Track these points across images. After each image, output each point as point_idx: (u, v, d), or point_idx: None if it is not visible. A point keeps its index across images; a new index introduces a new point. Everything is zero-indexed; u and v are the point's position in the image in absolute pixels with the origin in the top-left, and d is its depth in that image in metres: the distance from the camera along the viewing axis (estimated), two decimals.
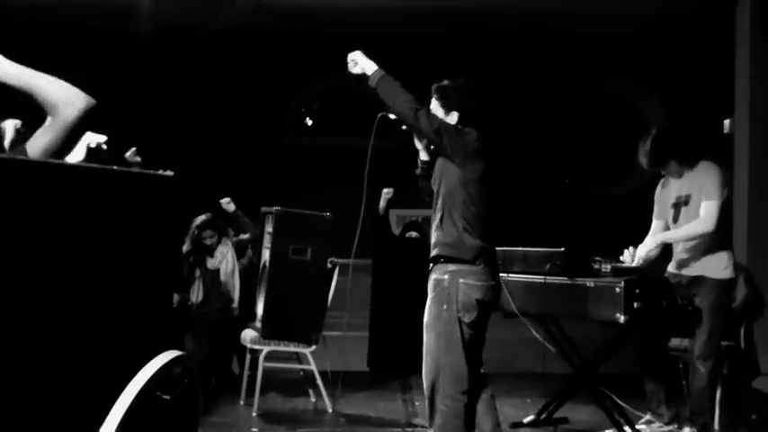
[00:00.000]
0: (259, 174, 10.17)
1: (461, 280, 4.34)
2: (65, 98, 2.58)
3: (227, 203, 7.31)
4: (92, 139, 3.87)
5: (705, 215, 5.27)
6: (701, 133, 6.59)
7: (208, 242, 7.08)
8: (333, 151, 10.93)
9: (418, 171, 4.72)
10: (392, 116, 4.59)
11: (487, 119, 4.61)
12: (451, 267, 4.38)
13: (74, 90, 2.61)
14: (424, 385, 4.44)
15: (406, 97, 4.39)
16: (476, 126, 4.52)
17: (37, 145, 2.58)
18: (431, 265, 4.50)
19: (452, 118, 4.51)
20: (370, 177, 4.70)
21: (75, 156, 3.53)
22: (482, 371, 4.60)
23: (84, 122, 2.61)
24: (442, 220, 4.44)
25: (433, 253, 4.47)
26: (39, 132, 2.63)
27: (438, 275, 4.43)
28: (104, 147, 3.96)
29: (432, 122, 4.36)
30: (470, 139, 4.42)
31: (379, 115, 4.62)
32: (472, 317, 4.36)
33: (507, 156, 4.60)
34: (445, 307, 4.35)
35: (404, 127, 4.57)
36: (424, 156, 4.70)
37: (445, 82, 4.63)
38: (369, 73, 4.48)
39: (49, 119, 2.61)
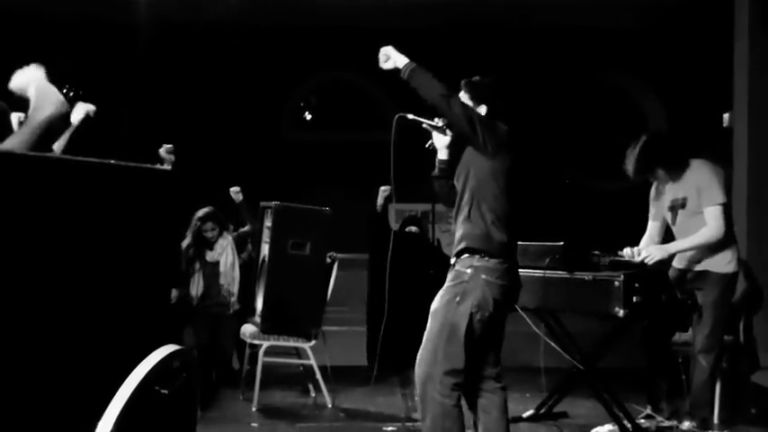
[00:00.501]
0: (258, 168, 10.18)
1: (483, 276, 4.29)
2: (39, 102, 2.61)
3: (236, 193, 7.28)
4: (84, 108, 3.93)
5: (712, 222, 5.27)
6: (695, 131, 6.58)
7: (209, 235, 7.07)
8: (331, 146, 10.95)
9: (435, 172, 4.66)
10: (410, 116, 4.57)
11: (516, 115, 4.60)
12: (476, 262, 4.32)
13: (50, 96, 2.64)
14: (417, 372, 4.40)
15: (439, 86, 4.35)
16: (504, 121, 4.51)
17: (8, 144, 2.60)
18: (454, 258, 4.45)
19: (481, 111, 4.49)
20: (395, 177, 4.68)
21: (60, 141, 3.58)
22: (496, 370, 4.52)
23: (56, 127, 2.64)
24: (470, 212, 4.38)
25: (460, 246, 4.40)
26: (15, 132, 2.67)
27: (461, 268, 4.37)
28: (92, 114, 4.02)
29: (465, 110, 4.33)
30: (501, 131, 4.42)
31: (396, 117, 4.59)
32: (485, 315, 4.30)
33: (531, 152, 4.60)
34: (458, 299, 4.31)
35: (424, 125, 4.54)
36: (443, 155, 4.64)
37: (476, 78, 4.61)
38: (400, 66, 4.45)
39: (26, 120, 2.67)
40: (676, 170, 5.43)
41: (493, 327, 4.40)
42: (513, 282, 4.40)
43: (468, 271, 4.32)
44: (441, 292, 4.42)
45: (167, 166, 5.35)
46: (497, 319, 4.40)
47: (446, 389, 4.31)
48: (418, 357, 4.43)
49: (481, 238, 4.33)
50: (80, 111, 4.57)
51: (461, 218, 4.43)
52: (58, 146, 3.94)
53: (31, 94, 2.68)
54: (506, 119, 4.54)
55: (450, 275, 4.44)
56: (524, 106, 10.74)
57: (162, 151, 5.79)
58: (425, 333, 4.41)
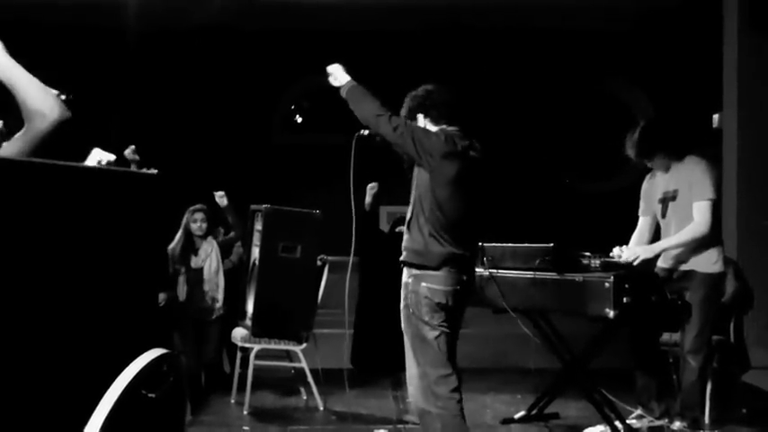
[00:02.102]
0: (248, 171, 10.16)
1: (424, 284, 4.37)
2: (40, 108, 2.53)
3: (221, 197, 7.26)
4: (101, 156, 3.89)
5: (698, 218, 5.27)
6: (689, 127, 6.60)
7: (196, 226, 6.97)
8: (322, 149, 10.92)
9: (406, 165, 4.71)
10: (365, 132, 4.60)
11: (462, 121, 4.60)
12: (415, 271, 4.41)
13: (50, 101, 2.57)
14: (410, 390, 4.48)
15: (371, 105, 4.41)
16: (458, 124, 4.54)
17: (6, 152, 2.54)
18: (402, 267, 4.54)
19: (422, 122, 4.54)
20: (356, 202, 4.79)
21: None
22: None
23: (58, 135, 2.57)
24: (409, 224, 4.48)
25: (402, 257, 4.51)
26: (13, 139, 2.60)
27: (405, 278, 4.47)
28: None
29: (395, 127, 4.35)
30: (438, 141, 4.39)
31: (356, 135, 4.64)
32: (438, 319, 4.38)
33: (491, 154, 4.60)
34: (412, 310, 4.40)
35: (378, 139, 4.55)
36: None
37: (417, 90, 4.66)
38: (340, 84, 4.54)
39: (25, 126, 2.58)
40: (677, 156, 5.43)
41: (453, 329, 4.47)
42: (457, 285, 4.41)
43: (410, 280, 4.43)
44: (401, 308, 4.49)
45: (133, 168, 5.40)
46: (453, 320, 4.46)
47: (442, 399, 4.34)
48: (407, 375, 4.48)
49: (417, 253, 4.42)
50: (95, 157, 4.55)
51: (405, 228, 4.53)
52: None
53: (22, 91, 2.58)
54: (456, 122, 4.55)
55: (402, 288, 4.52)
56: (512, 107, 10.79)
57: (127, 153, 5.82)
58: (405, 351, 4.48)
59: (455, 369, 4.42)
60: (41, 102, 2.55)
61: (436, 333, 4.37)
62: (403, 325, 4.47)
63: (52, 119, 2.53)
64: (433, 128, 4.52)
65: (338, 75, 4.56)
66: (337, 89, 4.57)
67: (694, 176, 5.32)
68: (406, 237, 4.50)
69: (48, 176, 2.32)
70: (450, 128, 4.52)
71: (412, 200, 4.49)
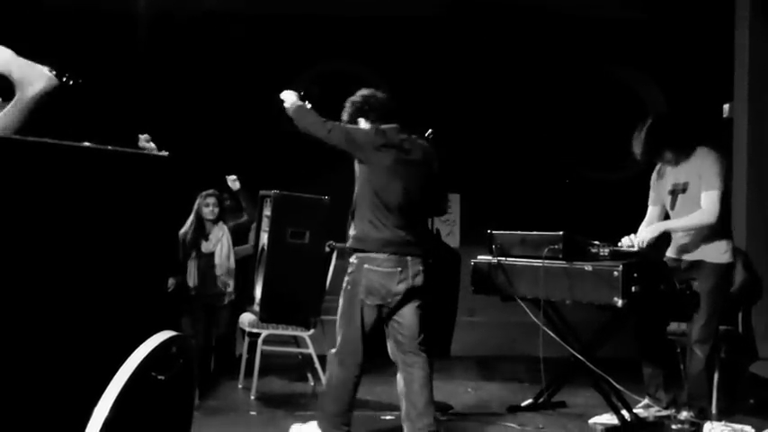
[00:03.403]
0: (258, 157, 10.15)
1: (366, 265, 4.80)
2: (28, 77, 2.58)
3: (233, 181, 7.24)
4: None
5: (706, 206, 5.25)
6: (698, 119, 6.56)
7: (208, 210, 6.97)
8: None
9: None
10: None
11: (400, 119, 5.03)
12: (359, 254, 4.86)
13: (38, 70, 2.61)
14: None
15: (312, 117, 4.97)
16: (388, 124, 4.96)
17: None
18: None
19: (363, 124, 5.03)
20: None
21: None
22: (420, 351, 4.93)
23: (48, 103, 2.60)
24: (353, 213, 4.94)
25: (347, 243, 4.99)
26: (3, 111, 2.62)
27: (350, 259, 4.92)
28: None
29: (329, 130, 4.88)
30: (368, 136, 4.89)
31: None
32: (374, 300, 4.81)
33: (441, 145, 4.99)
34: (350, 288, 4.87)
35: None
36: None
37: (355, 96, 5.16)
38: (289, 105, 5.04)
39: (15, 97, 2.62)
40: (684, 152, 5.41)
41: (393, 312, 4.87)
42: (398, 268, 4.80)
43: (354, 261, 4.88)
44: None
45: None
46: (395, 304, 4.84)
47: (347, 368, 4.90)
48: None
49: (359, 239, 4.88)
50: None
51: (350, 217, 5.02)
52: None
53: (15, 71, 2.62)
54: (395, 120, 4.99)
55: None
56: (521, 95, 10.76)
57: (142, 142, 5.73)
58: None
59: (365, 349, 4.89)
60: (30, 71, 2.59)
61: (369, 315, 4.84)
62: (340, 300, 4.95)
63: (41, 86, 2.58)
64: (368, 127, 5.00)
65: (288, 98, 5.06)
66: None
67: (704, 168, 5.30)
68: (351, 226, 4.96)
69: (58, 157, 2.32)
70: (387, 125, 4.94)
71: (355, 192, 4.94)
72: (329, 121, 4.95)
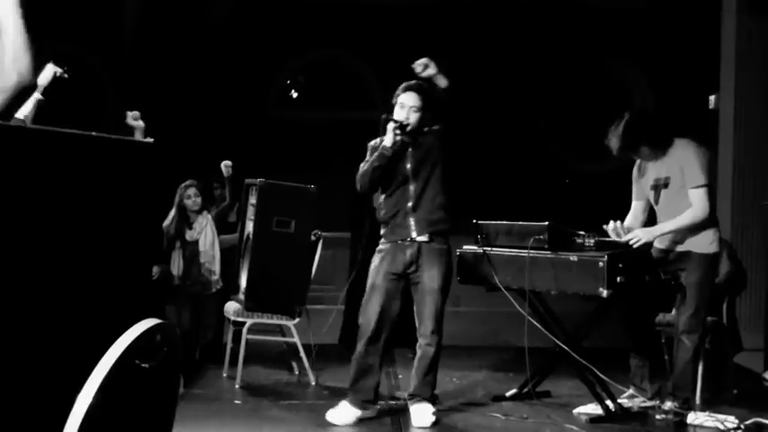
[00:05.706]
0: (243, 145, 10.12)
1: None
2: (8, 66, 2.54)
3: (228, 167, 7.19)
4: (52, 69, 3.96)
5: (696, 204, 5.26)
6: (682, 111, 6.58)
7: (191, 202, 6.93)
8: (317, 123, 10.90)
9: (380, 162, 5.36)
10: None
11: None
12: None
13: (20, 64, 2.56)
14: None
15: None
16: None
17: None
18: None
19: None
20: None
21: (24, 109, 3.54)
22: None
23: (14, 99, 2.55)
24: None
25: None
26: None
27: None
28: (66, 75, 4.04)
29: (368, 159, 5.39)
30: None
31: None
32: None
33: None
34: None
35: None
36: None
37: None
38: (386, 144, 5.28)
39: None
40: (661, 147, 5.42)
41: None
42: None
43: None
44: None
45: (139, 135, 5.21)
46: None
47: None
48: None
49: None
50: (48, 72, 4.54)
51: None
52: (23, 113, 3.88)
53: (7, 41, 2.57)
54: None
55: None
56: (509, 86, 10.75)
57: (129, 120, 5.44)
58: None
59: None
60: (12, 61, 2.56)
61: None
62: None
63: (13, 81, 2.54)
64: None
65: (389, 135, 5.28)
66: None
67: (685, 161, 5.31)
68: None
69: (39, 143, 2.29)
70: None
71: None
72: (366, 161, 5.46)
